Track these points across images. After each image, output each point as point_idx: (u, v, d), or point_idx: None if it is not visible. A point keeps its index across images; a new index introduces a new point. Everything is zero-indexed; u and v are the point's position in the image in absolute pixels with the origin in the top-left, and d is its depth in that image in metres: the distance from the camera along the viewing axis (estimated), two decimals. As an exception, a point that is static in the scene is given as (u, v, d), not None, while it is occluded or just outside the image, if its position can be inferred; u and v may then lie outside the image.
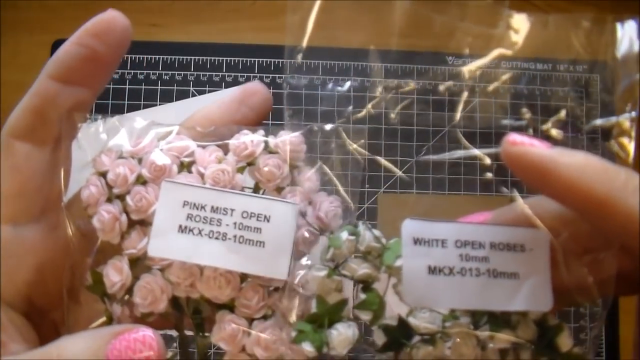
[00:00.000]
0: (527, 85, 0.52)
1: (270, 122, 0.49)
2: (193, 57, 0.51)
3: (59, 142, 0.20)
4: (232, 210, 0.19)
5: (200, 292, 0.18)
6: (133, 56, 0.51)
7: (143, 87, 0.50)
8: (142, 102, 0.50)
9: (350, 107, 0.23)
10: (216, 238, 0.18)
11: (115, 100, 0.50)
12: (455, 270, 0.18)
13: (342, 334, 0.18)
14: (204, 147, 0.20)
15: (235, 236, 0.18)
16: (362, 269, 0.19)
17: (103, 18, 0.21)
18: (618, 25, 0.24)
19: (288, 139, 0.21)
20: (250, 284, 0.19)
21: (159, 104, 0.50)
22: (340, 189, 0.21)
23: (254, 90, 0.24)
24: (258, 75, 0.51)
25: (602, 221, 0.17)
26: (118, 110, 0.50)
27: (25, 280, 0.19)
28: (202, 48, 0.51)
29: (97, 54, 0.20)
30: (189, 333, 0.20)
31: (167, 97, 0.50)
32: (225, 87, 0.51)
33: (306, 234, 0.19)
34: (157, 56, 0.51)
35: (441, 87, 0.34)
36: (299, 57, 0.25)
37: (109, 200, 0.19)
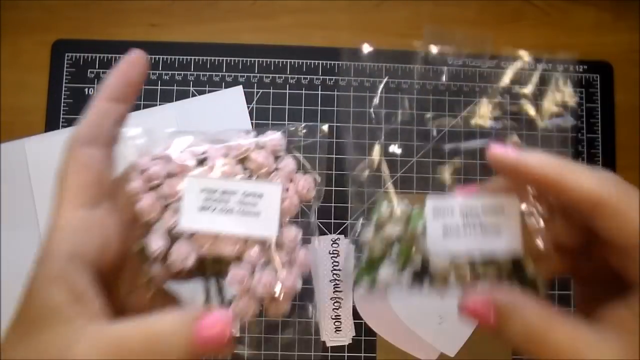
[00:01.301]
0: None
1: (271, 121, 0.49)
2: (193, 57, 0.51)
3: (111, 145, 0.27)
4: (236, 192, 0.27)
5: (217, 251, 0.26)
6: (133, 56, 0.51)
7: (143, 87, 0.50)
8: (142, 102, 0.50)
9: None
10: (226, 212, 0.27)
11: (115, 100, 0.50)
12: (460, 228, 0.27)
13: (385, 273, 0.27)
14: (214, 148, 0.28)
15: (239, 210, 0.27)
16: (396, 229, 0.28)
17: (135, 58, 0.29)
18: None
19: (272, 137, 0.28)
20: (252, 242, 0.27)
21: (159, 104, 0.50)
22: (310, 168, 0.29)
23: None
24: (258, 75, 0.51)
25: (559, 196, 0.24)
26: (118, 110, 0.50)
27: (96, 249, 0.25)
28: (202, 48, 0.51)
29: (134, 80, 0.28)
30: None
31: (167, 97, 0.50)
32: (225, 87, 0.51)
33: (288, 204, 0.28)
34: (157, 56, 0.51)
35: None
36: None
37: (149, 189, 0.27)
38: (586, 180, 0.23)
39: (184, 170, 0.27)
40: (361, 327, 0.48)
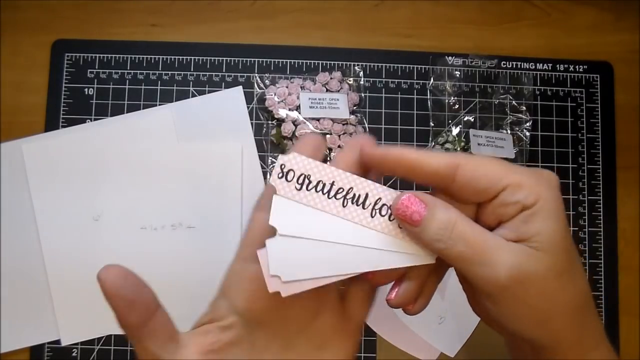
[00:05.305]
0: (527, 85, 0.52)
1: (271, 121, 0.48)
2: (193, 57, 0.51)
3: None
4: (325, 98, 0.49)
5: (320, 128, 0.49)
6: (133, 56, 0.51)
7: (143, 87, 0.50)
8: (142, 102, 0.50)
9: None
10: (323, 108, 0.49)
11: (115, 101, 0.50)
12: (484, 142, 0.51)
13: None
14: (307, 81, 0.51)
15: (329, 106, 0.49)
16: (450, 144, 0.50)
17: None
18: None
19: (338, 73, 0.51)
20: (336, 122, 0.49)
21: (159, 104, 0.50)
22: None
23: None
24: (257, 75, 0.51)
25: (418, 173, 0.28)
26: (118, 110, 0.50)
27: None
28: (202, 48, 0.51)
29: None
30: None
31: (167, 97, 0.50)
32: (226, 87, 0.51)
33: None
34: (157, 56, 0.51)
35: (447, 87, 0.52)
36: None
37: (279, 102, 0.49)
38: (434, 159, 0.27)
39: (296, 91, 0.49)
40: (361, 327, 0.48)
